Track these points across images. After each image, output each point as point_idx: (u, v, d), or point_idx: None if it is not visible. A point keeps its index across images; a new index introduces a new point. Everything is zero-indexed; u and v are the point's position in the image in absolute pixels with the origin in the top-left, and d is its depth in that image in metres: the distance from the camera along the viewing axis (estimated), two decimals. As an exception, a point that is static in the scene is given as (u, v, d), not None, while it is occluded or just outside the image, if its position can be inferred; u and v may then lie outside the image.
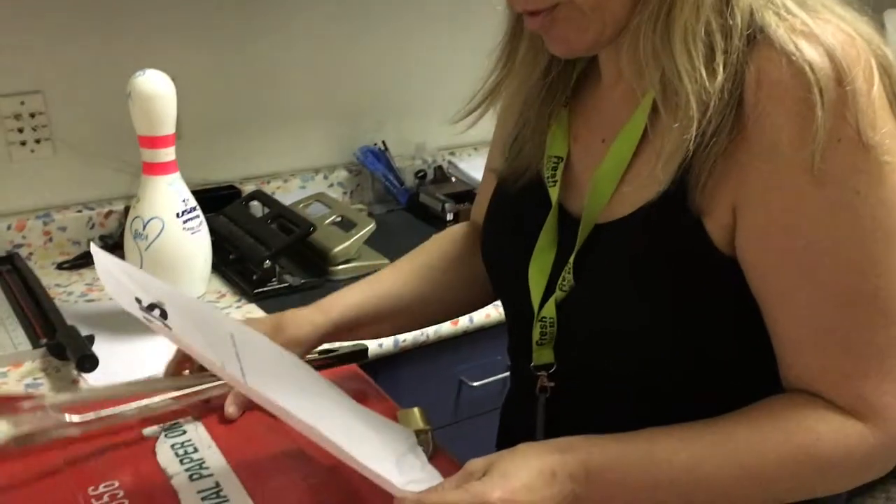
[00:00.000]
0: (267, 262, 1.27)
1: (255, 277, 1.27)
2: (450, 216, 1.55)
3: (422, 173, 1.70)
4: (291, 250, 1.34)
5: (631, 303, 0.64)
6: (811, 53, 0.56)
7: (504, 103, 0.75)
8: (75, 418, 0.75)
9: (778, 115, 0.57)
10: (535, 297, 0.70)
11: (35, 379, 1.03)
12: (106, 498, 0.68)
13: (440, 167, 1.72)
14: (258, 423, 0.78)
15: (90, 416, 0.75)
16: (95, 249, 0.70)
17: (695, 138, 0.58)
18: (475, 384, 1.29)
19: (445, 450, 0.76)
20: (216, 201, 1.45)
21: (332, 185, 1.66)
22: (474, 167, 1.75)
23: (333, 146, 1.67)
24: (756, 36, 0.59)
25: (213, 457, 0.74)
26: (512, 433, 0.81)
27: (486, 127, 1.92)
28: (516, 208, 0.76)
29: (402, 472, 0.63)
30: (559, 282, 0.68)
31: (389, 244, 1.42)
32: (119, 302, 0.70)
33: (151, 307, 0.65)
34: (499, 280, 0.80)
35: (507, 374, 1.31)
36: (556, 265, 0.70)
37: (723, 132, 0.58)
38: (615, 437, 0.62)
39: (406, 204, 1.65)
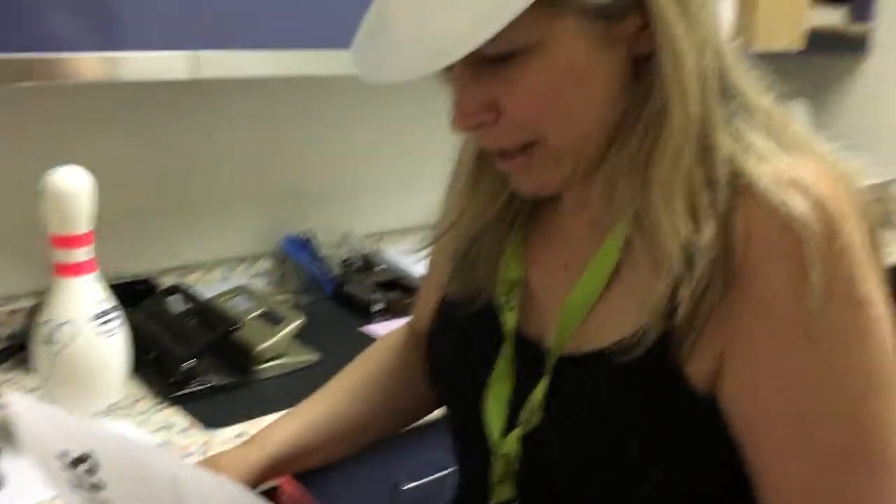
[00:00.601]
0: (187, 362, 1.20)
1: (174, 379, 1.20)
2: (377, 306, 1.52)
3: (348, 262, 1.66)
4: (214, 348, 1.27)
5: (604, 441, 0.61)
6: (801, 207, 0.55)
7: (457, 214, 0.73)
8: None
9: (771, 270, 0.56)
10: (495, 432, 0.66)
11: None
12: None
13: (367, 255, 1.68)
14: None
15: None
16: (12, 396, 0.62)
17: (678, 292, 0.56)
18: (411, 485, 1.24)
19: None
20: (133, 296, 1.38)
21: (255, 276, 1.61)
22: (401, 254, 1.72)
23: (257, 235, 1.62)
24: (740, 184, 0.58)
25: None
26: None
27: (413, 211, 1.91)
28: (467, 332, 0.73)
29: None
30: (522, 416, 0.65)
31: (317, 337, 1.37)
32: (39, 467, 0.62)
33: (78, 461, 0.58)
34: (450, 409, 0.76)
35: (445, 472, 1.28)
36: (515, 396, 0.66)
37: (714, 289, 0.57)
38: None
39: (332, 294, 1.60)
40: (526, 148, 0.61)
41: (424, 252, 0.76)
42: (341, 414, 0.81)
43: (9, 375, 1.24)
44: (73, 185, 1.00)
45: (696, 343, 0.58)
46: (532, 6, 0.52)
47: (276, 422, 0.81)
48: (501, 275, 0.70)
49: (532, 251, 0.71)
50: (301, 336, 1.34)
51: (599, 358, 0.61)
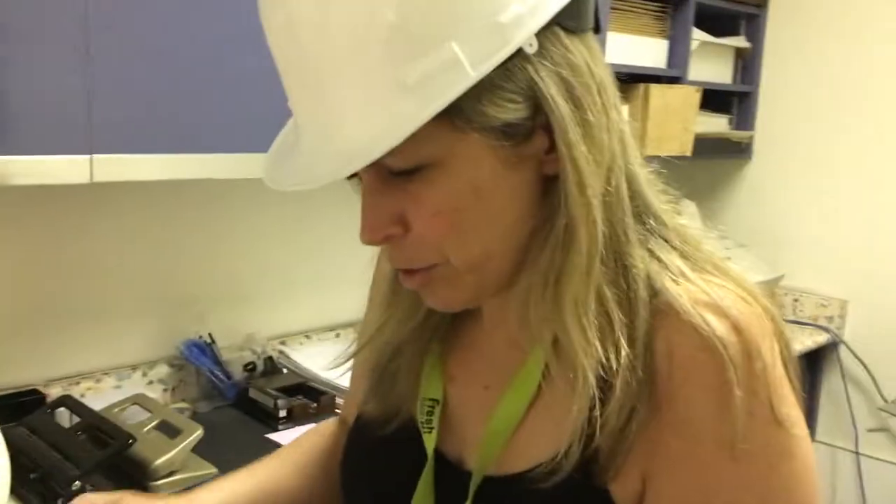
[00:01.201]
0: (77, 482, 1.12)
1: (60, 501, 1.11)
2: (283, 413, 1.46)
3: (251, 366, 1.60)
4: (106, 466, 1.19)
5: None
6: (720, 328, 0.56)
7: (378, 339, 0.71)
8: None
9: (693, 390, 0.56)
10: None
11: None
12: None
13: (270, 358, 1.63)
14: None
15: None
16: None
17: (601, 412, 0.56)
18: None
19: None
20: (16, 409, 1.29)
21: (151, 383, 1.53)
22: (307, 356, 1.68)
23: (153, 340, 1.55)
24: (658, 304, 0.58)
25: None
26: None
27: (318, 312, 1.87)
28: (385, 454, 0.70)
29: None
30: None
31: (218, 449, 1.31)
32: None
33: None
34: None
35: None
36: None
37: (639, 412, 0.57)
38: None
39: (234, 400, 1.54)
40: (430, 268, 0.60)
41: (343, 367, 0.73)
42: (283, 483, 0.78)
43: None
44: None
45: (621, 464, 0.57)
46: (436, 123, 0.52)
47: (214, 482, 0.78)
48: (421, 393, 0.69)
49: (451, 367, 0.70)
50: (200, 447, 1.27)
51: (523, 480, 0.60)
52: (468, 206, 0.57)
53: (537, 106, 0.56)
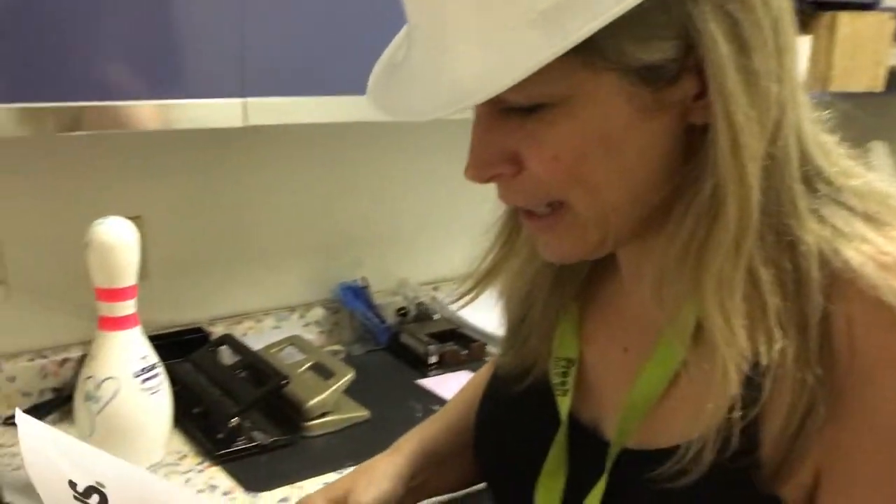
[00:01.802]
0: (234, 418, 1.15)
1: (220, 436, 1.15)
2: (433, 359, 1.46)
3: (403, 311, 1.61)
4: (262, 404, 1.22)
5: None
6: None
7: (506, 284, 0.66)
8: None
9: (883, 378, 0.48)
10: None
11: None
12: None
13: (423, 304, 1.63)
14: None
15: None
16: (21, 417, 0.57)
17: (742, 417, 0.49)
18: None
19: None
20: (183, 346, 1.35)
21: (307, 325, 1.56)
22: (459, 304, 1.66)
23: (310, 283, 1.58)
24: (832, 277, 0.49)
25: None
26: None
27: (470, 257, 1.85)
28: (518, 413, 0.66)
29: None
30: None
31: (369, 391, 1.32)
32: (42, 491, 0.56)
33: (89, 492, 0.53)
34: (498, 499, 0.69)
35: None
36: (569, 489, 0.59)
37: (816, 413, 0.49)
38: None
39: (386, 344, 1.55)
40: (553, 209, 0.53)
41: (461, 301, 0.67)
42: (468, 422, 0.73)
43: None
44: (118, 237, 0.98)
45: (791, 469, 0.50)
46: (568, 57, 0.45)
47: (408, 435, 0.76)
48: (556, 351, 0.64)
49: (588, 327, 0.64)
50: (352, 390, 1.29)
51: (668, 458, 0.53)
52: (592, 154, 0.50)
53: (690, 45, 0.47)
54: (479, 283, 0.64)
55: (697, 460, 0.51)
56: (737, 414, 0.49)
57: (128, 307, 1.00)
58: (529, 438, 0.63)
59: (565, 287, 0.64)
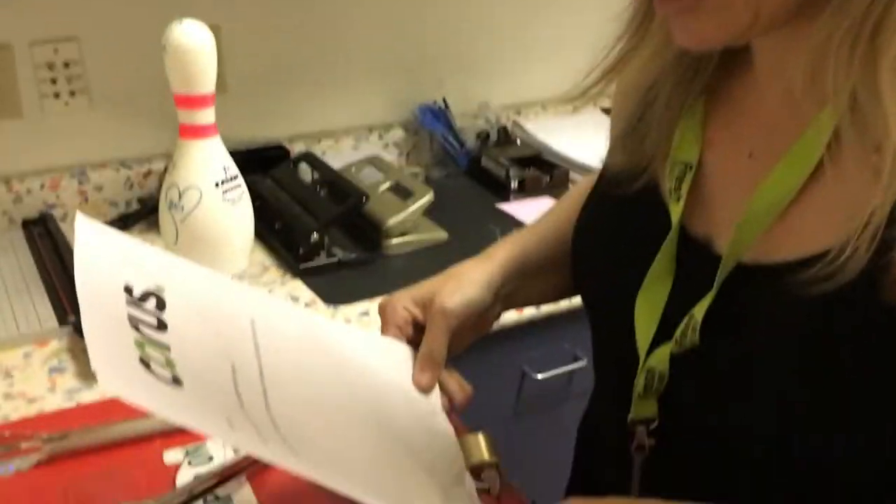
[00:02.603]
0: (315, 234, 1.16)
1: (301, 251, 1.16)
2: (514, 183, 1.42)
3: (484, 134, 1.56)
4: (342, 221, 1.22)
5: (773, 383, 0.49)
6: None
7: (628, 78, 0.59)
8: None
9: None
10: (642, 341, 0.56)
11: (60, 362, 0.94)
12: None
13: (504, 128, 1.58)
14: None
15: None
16: (82, 221, 0.54)
17: None
18: (539, 377, 1.17)
19: (517, 488, 0.64)
20: (263, 162, 1.34)
21: (386, 146, 1.54)
22: (542, 128, 1.61)
23: (390, 103, 1.54)
24: None
25: (243, 497, 0.63)
26: (594, 480, 0.69)
27: (555, 81, 1.77)
28: (624, 218, 0.61)
29: None
30: (678, 331, 0.54)
31: (448, 214, 1.30)
32: (84, 297, 0.50)
33: (146, 296, 0.51)
34: (593, 308, 0.65)
35: (574, 366, 1.21)
36: (671, 303, 0.55)
37: None
38: None
39: (466, 168, 1.52)
40: None
41: (585, 96, 0.60)
42: (565, 232, 0.70)
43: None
44: (195, 40, 0.94)
45: None
46: None
47: (501, 242, 0.73)
48: (673, 154, 0.58)
49: (711, 130, 0.58)
50: (431, 212, 1.27)
51: (785, 273, 0.49)
52: None
53: None
54: (606, 74, 0.58)
55: (823, 273, 0.46)
56: (878, 220, 0.44)
57: (206, 115, 0.98)
58: (633, 245, 0.59)
59: (692, 82, 0.57)
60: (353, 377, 0.58)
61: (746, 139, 0.55)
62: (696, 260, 0.55)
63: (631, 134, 0.60)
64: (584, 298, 0.66)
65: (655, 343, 0.55)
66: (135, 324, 0.49)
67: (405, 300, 0.67)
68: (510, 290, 0.69)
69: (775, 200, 0.50)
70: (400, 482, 0.52)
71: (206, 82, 0.96)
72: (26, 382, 0.90)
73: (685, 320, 0.53)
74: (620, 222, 0.62)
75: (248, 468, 0.63)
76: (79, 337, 0.95)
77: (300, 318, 0.60)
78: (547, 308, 1.11)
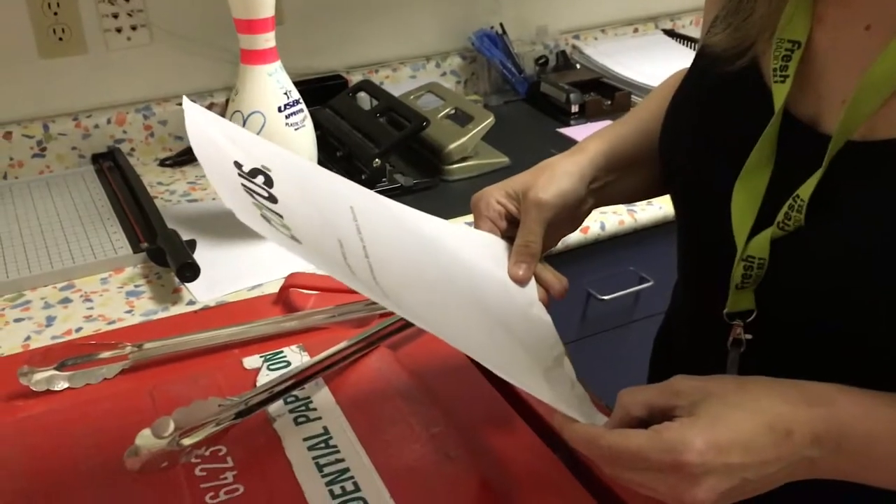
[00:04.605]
0: (377, 160, 1.16)
1: (364, 177, 1.16)
2: (574, 108, 1.40)
3: (543, 60, 1.53)
4: (402, 147, 1.22)
5: (887, 265, 0.48)
6: None
7: None
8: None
9: None
10: (740, 229, 0.54)
11: (136, 286, 0.97)
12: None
13: (563, 53, 1.55)
14: (375, 358, 0.69)
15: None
16: (188, 104, 0.56)
17: None
18: (605, 298, 1.17)
19: (588, 389, 0.64)
20: (321, 92, 1.34)
21: (444, 74, 1.52)
22: (602, 53, 1.57)
23: (446, 30, 1.52)
24: None
25: (321, 398, 0.65)
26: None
27: (615, 4, 1.73)
28: (721, 100, 0.58)
29: (553, 388, 0.52)
30: (780, 215, 0.52)
31: (508, 140, 1.29)
32: (209, 172, 0.53)
33: (254, 173, 0.53)
34: (685, 195, 0.63)
35: (637, 288, 1.20)
36: (771, 188, 0.53)
37: None
38: (876, 396, 0.47)
39: (525, 94, 1.50)
40: None
41: None
42: (648, 131, 0.69)
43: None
44: (253, -38, 0.94)
45: None
46: None
47: (593, 135, 0.71)
48: (780, 31, 0.55)
49: (821, 6, 0.54)
50: (491, 138, 1.26)
51: None
52: None
53: None
54: None
55: None
56: None
57: (267, 40, 0.98)
58: (732, 128, 0.57)
59: None
60: (451, 268, 0.58)
61: (862, 11, 0.52)
62: (800, 142, 0.53)
63: (735, 12, 0.57)
64: (672, 187, 0.65)
65: (754, 231, 0.54)
66: (249, 192, 0.51)
67: (498, 194, 0.65)
68: (602, 184, 0.67)
69: (890, 75, 0.48)
70: (503, 355, 0.53)
71: (266, 6, 0.96)
72: (105, 306, 0.93)
73: (789, 202, 0.51)
74: (717, 104, 0.59)
75: (324, 371, 0.64)
76: (154, 263, 0.98)
77: (398, 210, 0.60)
78: (611, 228, 1.10)
